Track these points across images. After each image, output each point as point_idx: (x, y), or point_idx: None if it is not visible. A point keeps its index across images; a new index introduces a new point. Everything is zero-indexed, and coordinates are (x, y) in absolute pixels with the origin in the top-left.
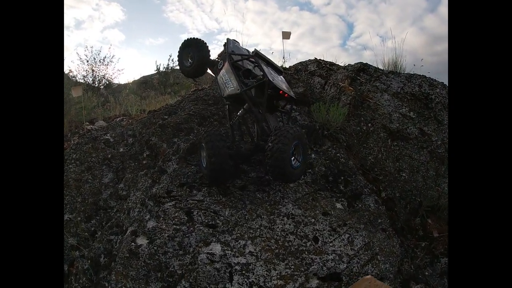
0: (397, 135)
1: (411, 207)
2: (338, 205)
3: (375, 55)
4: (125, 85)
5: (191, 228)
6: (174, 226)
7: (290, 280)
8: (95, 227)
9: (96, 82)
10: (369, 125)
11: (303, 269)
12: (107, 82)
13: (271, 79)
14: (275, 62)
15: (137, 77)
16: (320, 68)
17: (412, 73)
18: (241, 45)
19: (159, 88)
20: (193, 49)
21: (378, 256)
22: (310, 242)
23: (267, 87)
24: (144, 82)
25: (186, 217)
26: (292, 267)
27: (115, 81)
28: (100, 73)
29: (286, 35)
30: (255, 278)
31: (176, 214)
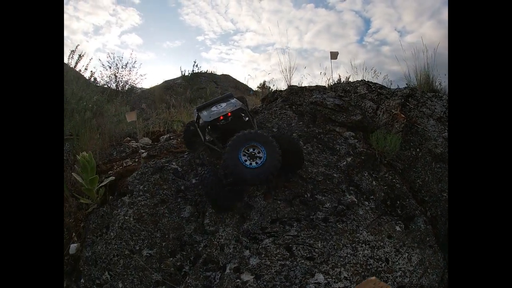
0: (440, 157)
1: None
2: (398, 228)
3: (404, 60)
4: (151, 91)
5: (294, 262)
6: (280, 262)
7: None
8: (181, 262)
9: (120, 88)
10: (417, 150)
11: None
12: (130, 87)
13: (207, 119)
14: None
15: (159, 82)
16: (370, 92)
17: None
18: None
19: (184, 93)
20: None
21: (429, 269)
22: (384, 263)
23: (207, 126)
24: (168, 88)
25: (287, 253)
26: None
27: (138, 85)
28: (123, 79)
29: (333, 56)
30: None
31: (278, 251)
